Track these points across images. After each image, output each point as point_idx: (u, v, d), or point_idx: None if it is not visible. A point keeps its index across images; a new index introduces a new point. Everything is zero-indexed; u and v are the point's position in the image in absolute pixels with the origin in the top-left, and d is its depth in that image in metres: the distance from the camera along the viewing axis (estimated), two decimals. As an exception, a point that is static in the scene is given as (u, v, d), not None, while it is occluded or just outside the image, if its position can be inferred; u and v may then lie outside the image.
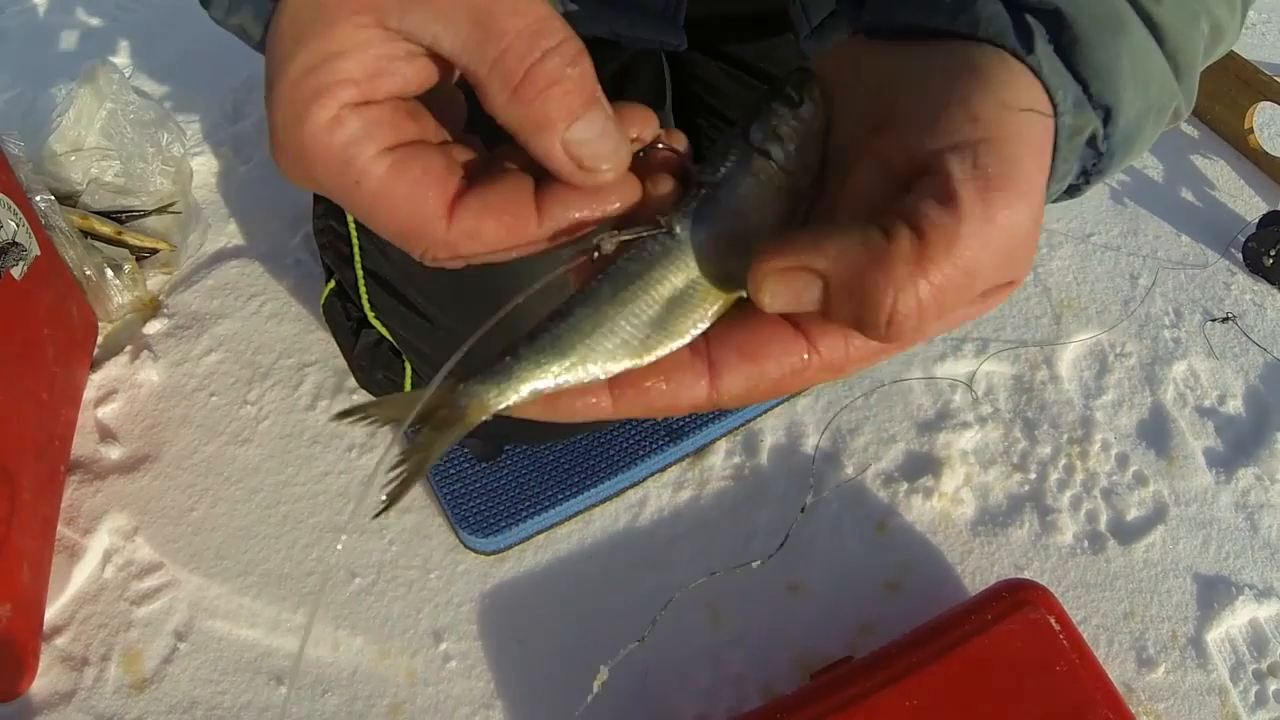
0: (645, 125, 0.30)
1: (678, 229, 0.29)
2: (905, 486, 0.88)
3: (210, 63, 1.10)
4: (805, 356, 0.28)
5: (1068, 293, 1.03)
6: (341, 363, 0.90)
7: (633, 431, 0.87)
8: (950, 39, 0.30)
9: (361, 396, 0.92)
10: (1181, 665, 0.80)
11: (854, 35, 0.34)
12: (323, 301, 0.79)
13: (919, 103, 0.28)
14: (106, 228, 0.95)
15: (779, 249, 0.27)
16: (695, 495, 0.87)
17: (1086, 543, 0.86)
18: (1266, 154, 1.14)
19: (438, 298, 0.68)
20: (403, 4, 0.27)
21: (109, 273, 0.93)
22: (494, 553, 0.84)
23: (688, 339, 0.29)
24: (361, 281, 0.72)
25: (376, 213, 0.28)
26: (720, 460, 0.89)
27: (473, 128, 0.32)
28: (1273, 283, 1.04)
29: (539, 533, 0.84)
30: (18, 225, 0.79)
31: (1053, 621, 0.70)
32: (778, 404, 0.92)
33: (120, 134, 0.97)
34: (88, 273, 0.91)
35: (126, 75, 0.98)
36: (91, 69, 0.97)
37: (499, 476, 0.85)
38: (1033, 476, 0.89)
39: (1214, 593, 0.84)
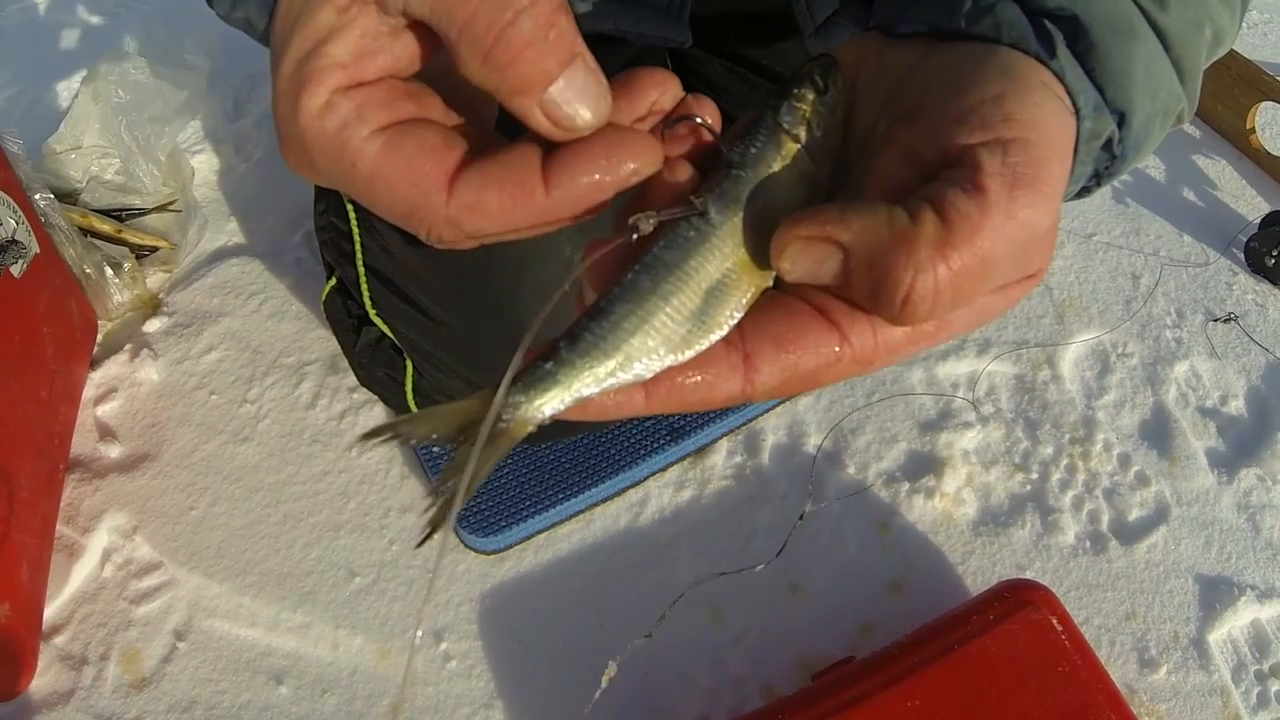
0: (664, 90, 0.29)
1: (713, 212, 0.28)
2: (907, 487, 0.88)
3: (211, 60, 1.10)
4: (838, 348, 0.28)
5: (1070, 292, 1.03)
6: (342, 361, 0.90)
7: (634, 431, 0.87)
8: (971, 41, 0.30)
9: (361, 395, 0.91)
10: (1183, 666, 0.80)
11: (870, 32, 0.34)
12: (323, 299, 0.79)
13: (951, 98, 0.29)
14: (106, 225, 0.95)
15: (804, 217, 0.27)
16: (696, 495, 0.87)
17: (1088, 543, 0.86)
18: (1268, 154, 1.14)
19: (440, 295, 0.68)
20: None
21: (108, 271, 0.93)
22: (494, 552, 0.83)
23: (725, 330, 0.28)
24: (363, 279, 0.71)
25: (376, 193, 0.28)
26: (722, 460, 0.89)
27: (501, 126, 0.31)
28: (1275, 283, 1.04)
29: (539, 532, 0.84)
30: (17, 223, 0.79)
31: (1054, 622, 0.70)
32: (779, 403, 0.92)
33: (120, 132, 0.97)
34: (87, 271, 0.91)
35: (126, 73, 0.97)
36: (93, 67, 0.97)
37: (499, 476, 0.85)
38: (1034, 477, 0.89)
39: (1216, 593, 0.84)
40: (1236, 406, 0.95)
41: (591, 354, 0.27)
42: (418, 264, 0.68)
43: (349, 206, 0.71)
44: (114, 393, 0.92)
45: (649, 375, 0.27)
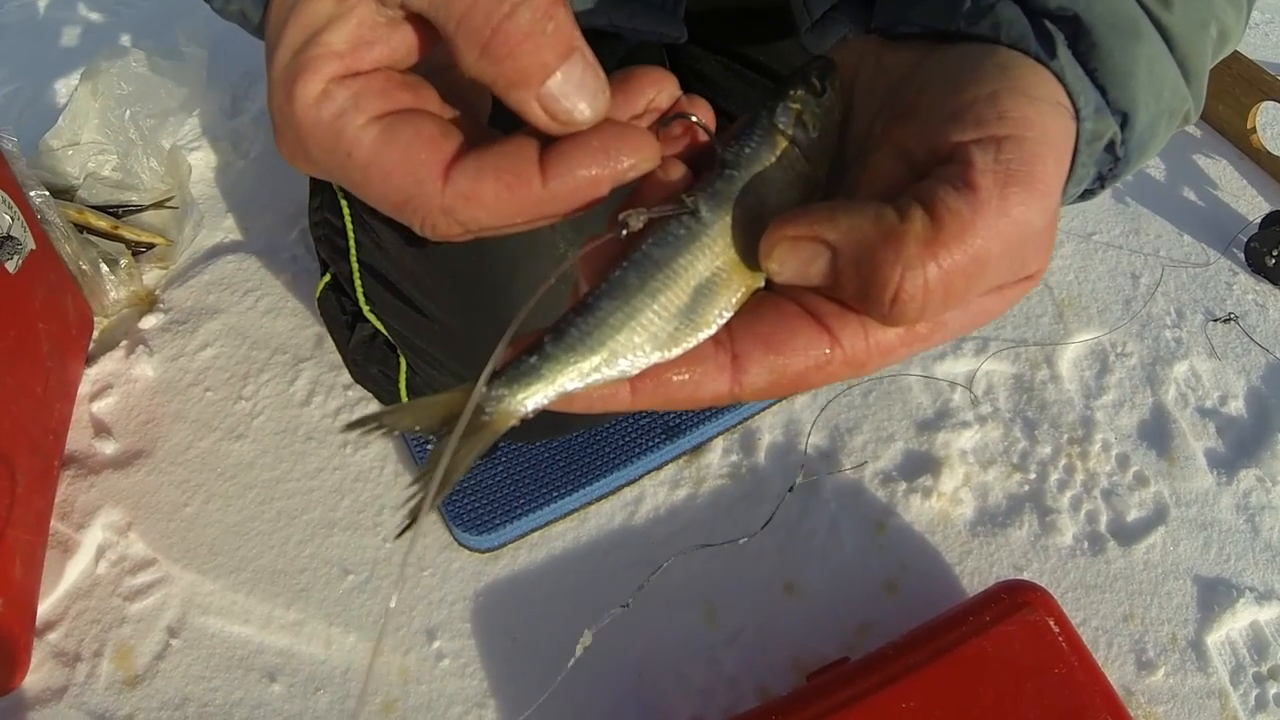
0: (661, 89, 0.29)
1: (703, 211, 0.28)
2: (903, 486, 0.87)
3: (208, 57, 1.10)
4: (828, 351, 0.27)
5: (1069, 291, 1.02)
6: (337, 358, 0.90)
7: (628, 429, 0.87)
8: (971, 41, 0.30)
9: (356, 392, 0.91)
10: (1181, 668, 0.79)
11: (869, 34, 0.34)
12: (317, 295, 0.79)
13: (946, 97, 0.28)
14: (103, 222, 0.95)
15: (792, 217, 0.27)
16: (691, 493, 0.87)
17: (1086, 544, 0.85)
18: (1269, 154, 1.13)
19: (433, 292, 0.67)
20: None
21: (104, 267, 0.92)
22: (488, 550, 0.83)
23: (714, 329, 0.28)
24: (357, 275, 0.71)
25: (370, 182, 0.27)
26: (717, 458, 0.89)
27: (495, 122, 0.31)
28: (1275, 283, 1.03)
29: (533, 530, 0.84)
30: (12, 219, 0.79)
31: (1052, 623, 0.70)
32: (775, 401, 0.91)
33: (117, 129, 0.97)
34: (83, 267, 0.91)
35: (128, 66, 0.97)
36: (92, 63, 0.97)
37: (493, 473, 0.84)
38: (1032, 477, 0.89)
39: (1214, 595, 0.83)
40: (1236, 407, 0.95)
41: (576, 349, 0.27)
42: (412, 260, 0.68)
43: (344, 202, 0.71)
44: (109, 389, 0.91)
45: (634, 371, 0.27)
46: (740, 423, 0.90)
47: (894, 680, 0.67)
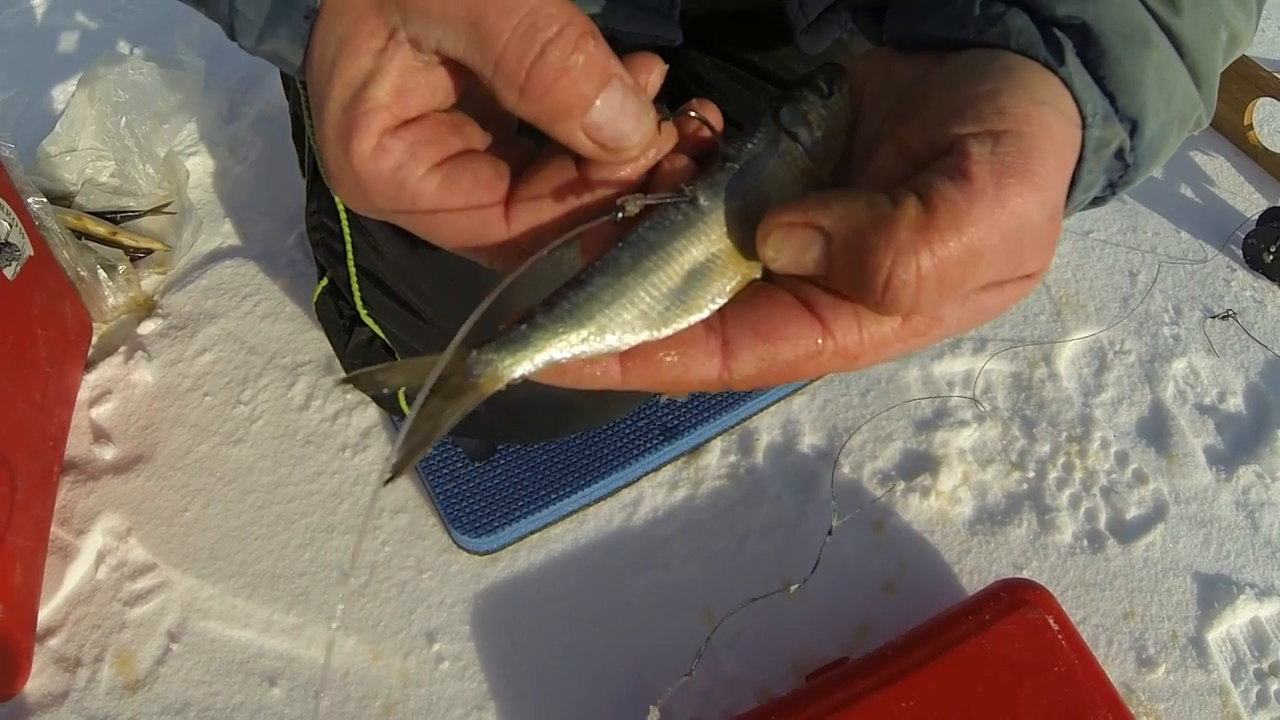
0: (650, 71, 0.30)
1: (702, 200, 0.29)
2: (902, 485, 0.87)
3: (205, 63, 1.10)
4: (820, 341, 0.28)
5: (1067, 289, 1.02)
6: (336, 362, 0.90)
7: (627, 430, 0.87)
8: (981, 49, 0.30)
9: (354, 396, 0.91)
10: (1182, 665, 0.79)
11: (881, 47, 0.34)
12: (315, 299, 0.79)
13: (948, 95, 0.29)
14: (101, 228, 0.95)
15: (788, 205, 0.28)
16: (690, 495, 0.87)
17: (1085, 542, 0.85)
18: (1266, 150, 1.13)
19: (430, 296, 0.67)
20: (405, 15, 0.27)
21: (103, 273, 0.93)
22: (487, 553, 0.83)
23: (706, 313, 0.29)
24: (354, 279, 0.71)
25: (437, 228, 0.29)
26: (716, 459, 0.89)
27: (524, 130, 0.32)
28: (1273, 279, 1.03)
29: (532, 533, 0.84)
30: (10, 225, 0.79)
31: (1051, 621, 0.70)
32: (773, 402, 0.91)
33: (114, 135, 0.97)
34: (82, 273, 0.91)
35: (125, 72, 0.98)
36: (90, 69, 0.97)
37: (492, 476, 0.84)
38: (1031, 475, 0.89)
39: (1214, 592, 0.83)
40: (1235, 403, 0.95)
41: (566, 320, 0.28)
42: (409, 264, 0.68)
43: (340, 206, 0.71)
44: (108, 395, 0.92)
45: (623, 348, 0.28)
46: (738, 423, 0.90)
47: (893, 680, 0.67)
